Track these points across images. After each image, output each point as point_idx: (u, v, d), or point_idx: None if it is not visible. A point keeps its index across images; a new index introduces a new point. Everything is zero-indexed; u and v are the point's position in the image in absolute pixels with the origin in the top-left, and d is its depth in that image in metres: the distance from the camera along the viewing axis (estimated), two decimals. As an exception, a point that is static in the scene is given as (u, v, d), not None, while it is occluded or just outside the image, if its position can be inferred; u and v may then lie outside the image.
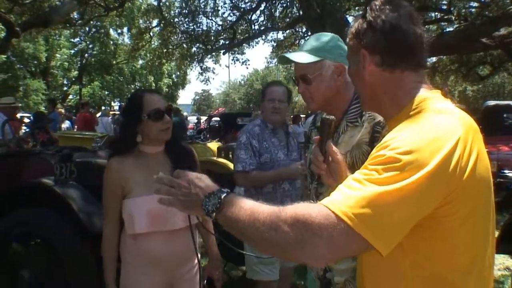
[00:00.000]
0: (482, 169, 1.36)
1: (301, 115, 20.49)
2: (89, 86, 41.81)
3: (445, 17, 15.25)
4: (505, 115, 12.73)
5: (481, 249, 1.40)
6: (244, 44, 19.38)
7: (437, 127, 1.35)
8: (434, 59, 20.76)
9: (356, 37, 1.59)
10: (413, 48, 1.51)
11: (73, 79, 43.18)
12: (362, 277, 1.60)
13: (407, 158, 1.26)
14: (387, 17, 1.50)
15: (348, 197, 1.29)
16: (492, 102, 13.17)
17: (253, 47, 24.80)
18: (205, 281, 3.06)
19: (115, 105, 44.89)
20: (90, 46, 41.83)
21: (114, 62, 40.92)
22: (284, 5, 16.68)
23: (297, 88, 2.37)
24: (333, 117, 1.80)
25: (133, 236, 2.74)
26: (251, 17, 17.69)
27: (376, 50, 1.52)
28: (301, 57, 2.26)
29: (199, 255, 2.99)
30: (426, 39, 1.56)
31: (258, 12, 17.36)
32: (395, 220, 1.25)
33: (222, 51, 20.19)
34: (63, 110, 16.90)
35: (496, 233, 4.76)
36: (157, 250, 2.75)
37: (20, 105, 10.31)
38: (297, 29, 18.52)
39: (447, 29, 15.51)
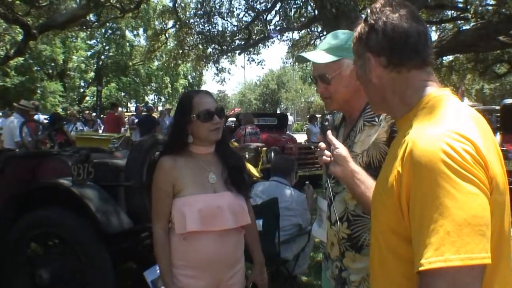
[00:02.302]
0: (496, 166, 1.34)
1: (317, 115, 20.46)
2: (105, 88, 42.10)
3: (462, 15, 15.15)
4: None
5: (503, 248, 1.38)
6: (259, 45, 19.37)
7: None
8: (450, 57, 20.63)
9: (359, 41, 1.60)
10: (417, 47, 1.51)
11: (90, 80, 43.51)
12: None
13: None
14: (388, 18, 1.51)
15: None
16: (509, 100, 12.97)
17: (268, 47, 24.72)
18: (250, 286, 3.03)
19: (132, 106, 45.18)
20: (106, 47, 42.15)
21: (130, 63, 41.14)
22: (299, 5, 16.64)
23: (315, 87, 2.36)
24: (330, 116, 2.07)
25: (183, 236, 2.69)
26: (266, 18, 17.68)
27: (381, 52, 1.53)
28: (319, 56, 2.23)
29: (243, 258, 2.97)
30: (430, 36, 1.56)
31: (273, 12, 17.36)
32: None
33: (237, 52, 20.15)
34: (75, 111, 17.06)
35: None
36: (208, 250, 2.70)
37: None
38: (313, 29, 18.48)
39: (464, 28, 15.42)
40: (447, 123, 1.34)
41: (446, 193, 1.22)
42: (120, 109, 27.31)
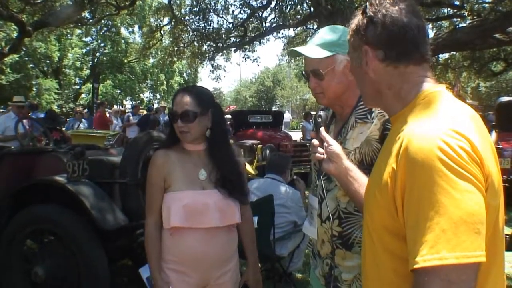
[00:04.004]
0: (491, 164, 1.34)
1: (312, 113, 20.43)
2: (101, 85, 41.96)
3: (458, 13, 15.14)
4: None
5: (497, 247, 1.38)
6: (255, 42, 19.32)
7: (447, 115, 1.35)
8: (446, 55, 20.66)
9: (356, 33, 1.56)
10: (416, 41, 1.48)
11: (85, 78, 43.39)
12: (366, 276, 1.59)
13: None
14: (387, 11, 1.48)
15: None
16: (505, 98, 12.95)
17: (264, 44, 24.65)
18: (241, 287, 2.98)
19: (127, 103, 45.08)
20: (102, 45, 42.00)
21: (126, 60, 41.02)
22: (295, 2, 16.61)
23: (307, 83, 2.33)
24: (323, 112, 2.07)
25: (170, 232, 2.70)
26: (262, 15, 17.65)
27: (379, 45, 1.50)
28: (313, 51, 2.18)
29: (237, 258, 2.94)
30: (427, 32, 1.55)
31: (268, 9, 17.33)
32: None
33: (233, 49, 20.11)
34: (80, 109, 16.99)
35: (509, 231, 4.74)
36: (193, 247, 2.69)
37: (26, 103, 10.32)
38: (308, 26, 18.43)
39: (460, 25, 15.43)
40: (443, 120, 1.33)
41: (442, 191, 1.21)
42: (115, 106, 27.24)
